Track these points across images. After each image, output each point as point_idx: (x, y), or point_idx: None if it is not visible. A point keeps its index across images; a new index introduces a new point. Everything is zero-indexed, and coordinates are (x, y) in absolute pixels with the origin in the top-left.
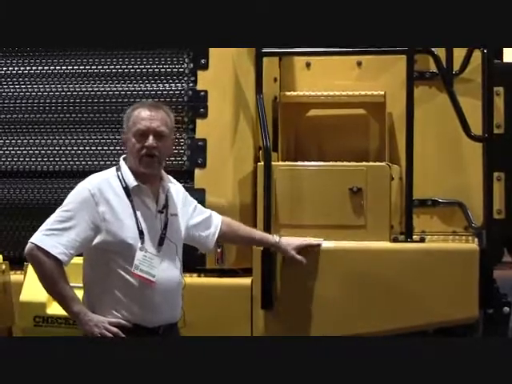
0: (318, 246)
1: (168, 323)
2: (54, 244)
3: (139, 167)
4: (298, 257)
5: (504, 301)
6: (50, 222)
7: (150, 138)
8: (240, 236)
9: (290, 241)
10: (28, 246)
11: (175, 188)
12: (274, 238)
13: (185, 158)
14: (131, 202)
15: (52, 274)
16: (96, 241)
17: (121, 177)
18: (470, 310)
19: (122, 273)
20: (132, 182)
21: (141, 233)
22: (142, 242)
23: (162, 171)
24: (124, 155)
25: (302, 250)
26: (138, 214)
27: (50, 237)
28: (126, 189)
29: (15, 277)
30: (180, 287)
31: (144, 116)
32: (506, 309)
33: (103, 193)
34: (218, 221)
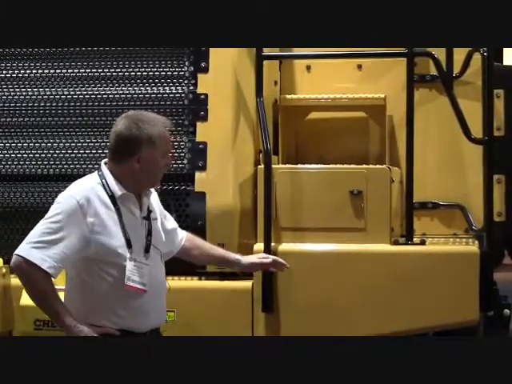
0: (270, 264)
1: (154, 328)
2: (42, 257)
3: (156, 185)
4: (257, 268)
5: (504, 303)
6: (37, 233)
7: (169, 155)
8: (201, 253)
9: (249, 259)
10: (14, 258)
11: (152, 191)
12: (235, 256)
13: (185, 161)
14: (117, 210)
15: (42, 288)
16: (84, 251)
17: (106, 185)
18: (471, 313)
19: (112, 281)
20: (118, 190)
21: (128, 242)
22: (131, 252)
23: None
24: (105, 160)
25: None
26: (125, 222)
27: (38, 249)
28: (112, 197)
29: (15, 280)
30: (165, 291)
31: (167, 135)
32: (507, 311)
33: (91, 203)
34: (182, 234)
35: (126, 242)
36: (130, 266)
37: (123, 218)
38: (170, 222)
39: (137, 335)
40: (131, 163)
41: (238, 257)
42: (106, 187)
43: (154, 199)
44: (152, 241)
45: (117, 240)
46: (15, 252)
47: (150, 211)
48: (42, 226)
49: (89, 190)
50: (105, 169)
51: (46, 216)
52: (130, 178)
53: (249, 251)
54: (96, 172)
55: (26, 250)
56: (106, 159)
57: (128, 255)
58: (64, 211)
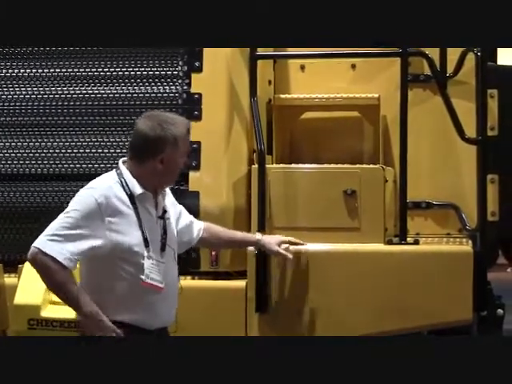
0: (299, 243)
1: (163, 326)
2: (58, 250)
3: (172, 184)
4: (282, 251)
5: (498, 303)
6: (54, 226)
7: (187, 155)
8: (220, 240)
9: (272, 238)
10: (32, 250)
11: (167, 192)
12: (255, 236)
13: None
14: (135, 209)
15: (59, 279)
16: (102, 249)
17: (124, 184)
18: (464, 312)
19: (127, 278)
20: (137, 189)
21: (145, 240)
22: (148, 250)
23: None
24: (123, 158)
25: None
26: (143, 221)
27: (55, 242)
28: (131, 196)
29: (9, 280)
30: (177, 291)
31: (188, 136)
32: (500, 311)
33: (109, 201)
34: (199, 227)
35: (144, 241)
36: (148, 263)
37: (141, 217)
38: (186, 217)
39: (145, 332)
40: (154, 163)
41: (258, 237)
42: (124, 186)
43: (169, 199)
44: (167, 240)
45: (134, 238)
46: (33, 244)
47: (164, 211)
48: (60, 220)
49: (107, 188)
50: (123, 168)
51: (65, 211)
52: (152, 177)
53: (242, 251)
54: (114, 170)
55: (42, 242)
56: (124, 158)
57: (146, 253)
58: (82, 207)
